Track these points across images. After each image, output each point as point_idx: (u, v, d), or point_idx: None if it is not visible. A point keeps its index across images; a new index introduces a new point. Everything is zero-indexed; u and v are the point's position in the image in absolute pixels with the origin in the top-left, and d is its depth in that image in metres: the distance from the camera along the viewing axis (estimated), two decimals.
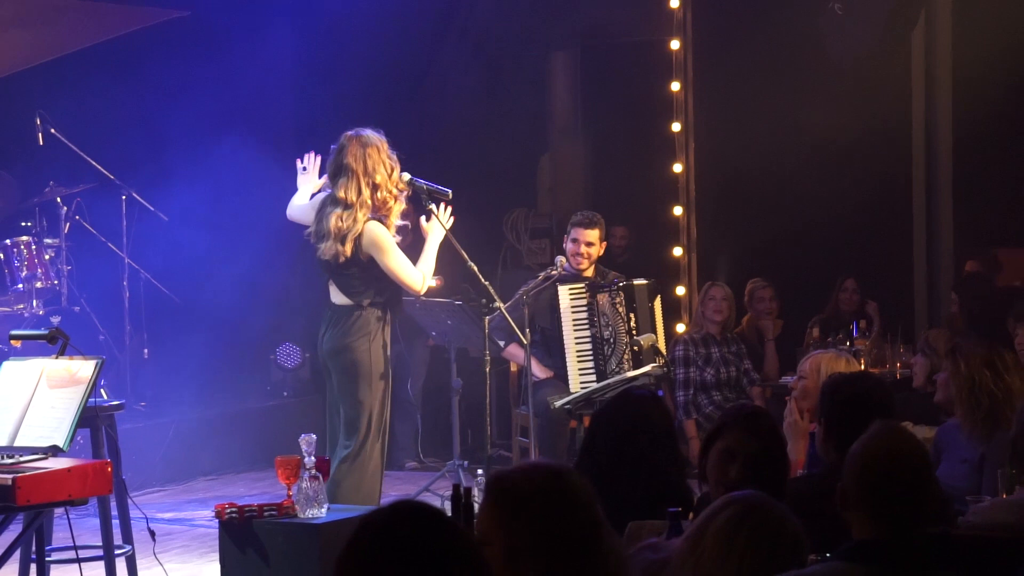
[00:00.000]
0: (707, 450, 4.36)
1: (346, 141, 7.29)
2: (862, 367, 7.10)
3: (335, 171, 7.28)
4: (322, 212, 7.30)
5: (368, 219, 7.22)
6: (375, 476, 7.31)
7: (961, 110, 10.77)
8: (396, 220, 7.35)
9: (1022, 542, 4.34)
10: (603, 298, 8.70)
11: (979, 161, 10.82)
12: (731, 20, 11.08)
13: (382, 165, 7.28)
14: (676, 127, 10.75)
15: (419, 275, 7.35)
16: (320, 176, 7.59)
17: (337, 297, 7.37)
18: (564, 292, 8.73)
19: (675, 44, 10.68)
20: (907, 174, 10.96)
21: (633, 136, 11.44)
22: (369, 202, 7.23)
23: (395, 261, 7.27)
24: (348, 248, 7.20)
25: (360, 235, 7.21)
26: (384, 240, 7.26)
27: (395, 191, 7.31)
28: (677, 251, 10.76)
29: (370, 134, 7.34)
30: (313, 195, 7.56)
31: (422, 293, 7.51)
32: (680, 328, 10.26)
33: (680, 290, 10.56)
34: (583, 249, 8.80)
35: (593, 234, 8.81)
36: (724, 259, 10.78)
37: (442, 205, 7.48)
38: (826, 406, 5.17)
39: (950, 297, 9.42)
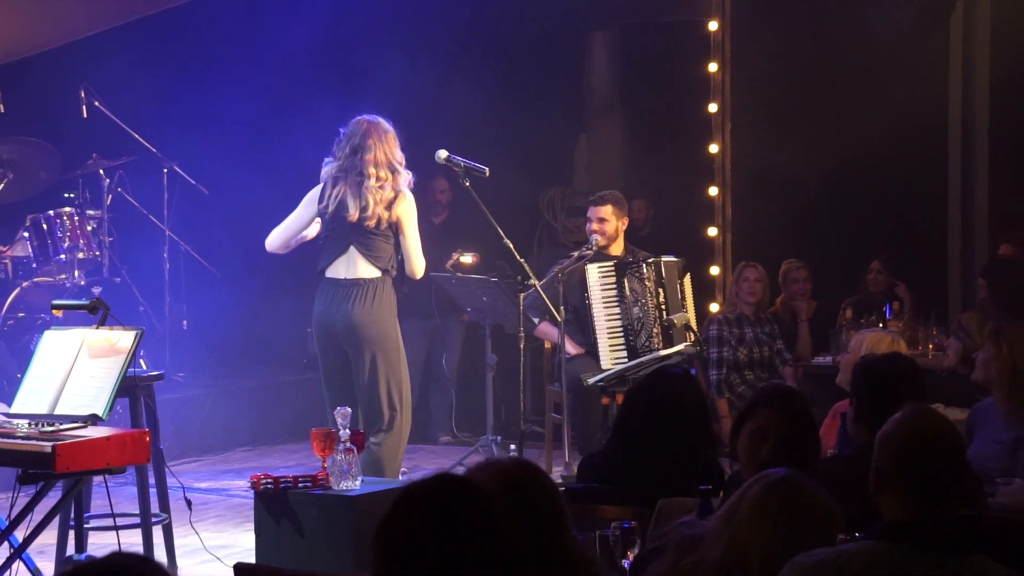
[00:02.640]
0: (738, 429, 4.34)
1: (366, 125, 7.63)
2: (904, 348, 7.08)
3: (355, 149, 7.50)
4: (336, 188, 7.51)
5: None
6: (404, 445, 7.70)
7: (998, 92, 10.67)
8: None
9: None
10: (632, 275, 8.67)
11: (1016, 142, 10.73)
12: (770, 1, 11.01)
13: (398, 150, 7.67)
14: (713, 108, 10.70)
15: (423, 260, 7.75)
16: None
17: (359, 269, 7.54)
18: (592, 270, 8.70)
19: (713, 25, 10.62)
20: (943, 156, 10.87)
21: (670, 116, 11.39)
22: (392, 177, 7.50)
23: (415, 235, 7.68)
24: (392, 214, 7.57)
25: (397, 202, 7.54)
26: (414, 212, 7.66)
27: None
28: (712, 231, 10.72)
29: (384, 122, 7.69)
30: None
31: (418, 277, 7.81)
32: (714, 308, 10.23)
33: (715, 270, 10.52)
34: (595, 226, 8.81)
35: (604, 210, 8.80)
36: (758, 240, 10.72)
37: None
38: (858, 386, 5.15)
39: (979, 283, 9.33)
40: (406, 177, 7.66)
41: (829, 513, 3.50)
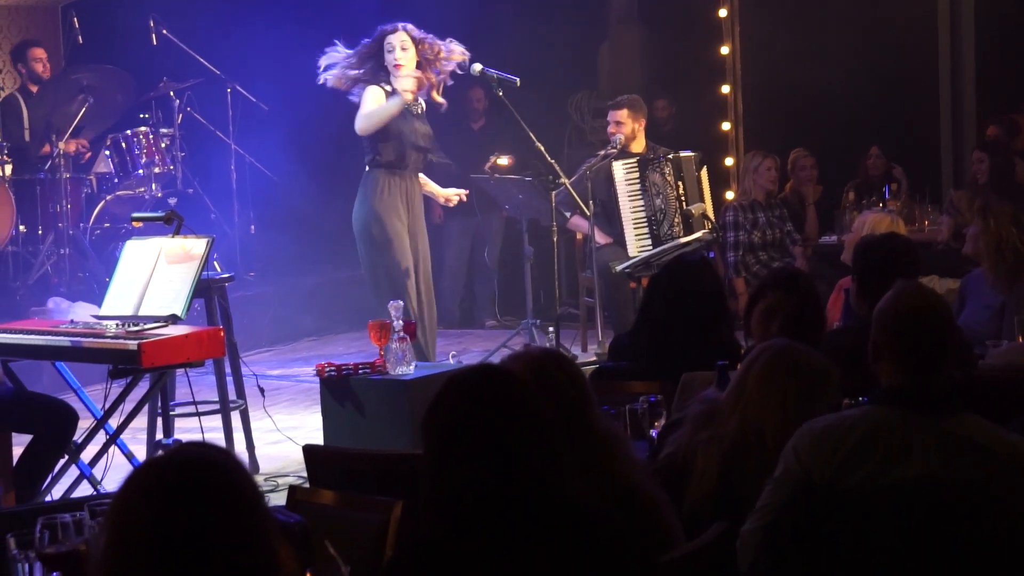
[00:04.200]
0: (751, 310, 4.36)
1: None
2: (902, 227, 7.06)
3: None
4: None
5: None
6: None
7: None
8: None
9: None
10: (653, 170, 8.63)
11: (1000, 29, 10.57)
12: None
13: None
14: (723, 13, 10.60)
15: (360, 118, 7.44)
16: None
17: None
18: (618, 167, 8.66)
19: None
20: (933, 47, 10.72)
21: (685, 22, 11.26)
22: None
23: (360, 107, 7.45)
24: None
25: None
26: (364, 95, 7.44)
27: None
28: (726, 125, 10.65)
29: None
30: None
31: (356, 129, 7.50)
32: (729, 196, 10.17)
33: (728, 161, 10.48)
34: (613, 128, 8.74)
35: (621, 114, 8.73)
36: (767, 132, 10.64)
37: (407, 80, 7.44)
38: (859, 264, 5.13)
39: (972, 159, 9.23)
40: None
41: (825, 372, 3.53)
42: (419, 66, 7.49)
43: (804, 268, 8.77)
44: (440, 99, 7.63)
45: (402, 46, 7.42)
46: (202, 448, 2.26)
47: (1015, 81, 10.79)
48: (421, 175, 7.72)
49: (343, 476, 4.04)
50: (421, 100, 7.63)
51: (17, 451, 5.72)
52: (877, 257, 5.01)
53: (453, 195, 7.89)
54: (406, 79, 7.40)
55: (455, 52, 7.60)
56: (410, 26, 7.50)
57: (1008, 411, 4.03)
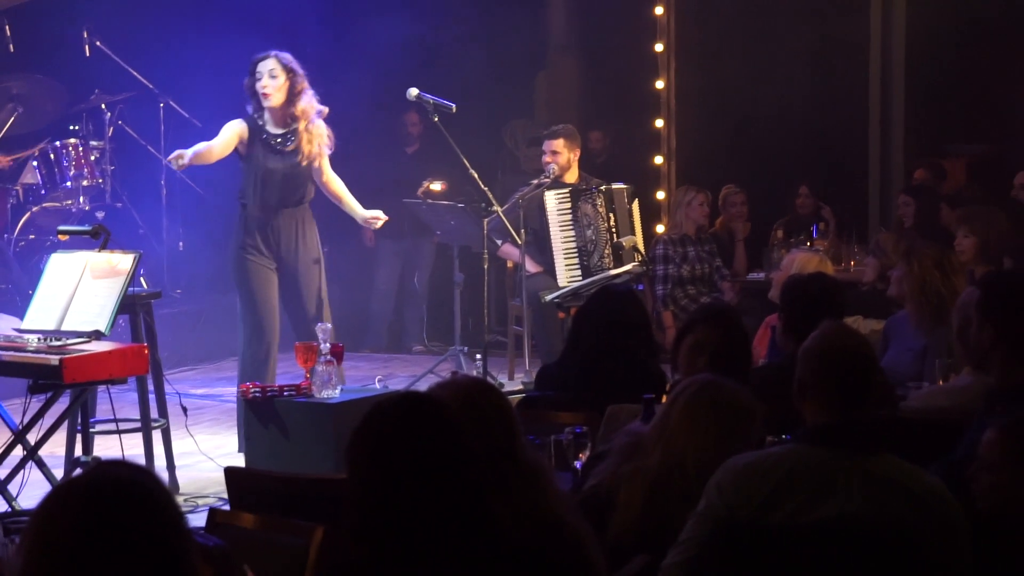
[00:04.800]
0: (679, 344, 4.38)
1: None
2: (830, 267, 7.13)
3: None
4: None
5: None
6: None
7: (914, 31, 10.65)
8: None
9: (955, 424, 4.36)
10: (585, 201, 8.68)
11: (929, 76, 10.74)
12: None
13: None
14: (659, 47, 10.68)
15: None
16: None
17: None
18: (550, 196, 8.70)
19: None
20: (864, 91, 10.86)
21: (621, 55, 11.33)
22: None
23: None
24: None
25: None
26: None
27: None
28: (658, 159, 10.72)
29: None
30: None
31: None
32: (660, 229, 10.24)
33: (660, 194, 10.55)
34: (548, 157, 8.77)
35: (557, 144, 8.77)
36: (699, 167, 10.73)
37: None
38: (786, 302, 5.19)
39: (898, 201, 9.35)
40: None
41: (750, 408, 3.57)
42: (289, 98, 7.26)
43: (732, 303, 8.84)
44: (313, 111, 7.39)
45: (271, 73, 7.23)
46: (122, 467, 2.24)
47: (943, 126, 10.97)
48: (345, 196, 7.57)
49: (265, 499, 4.01)
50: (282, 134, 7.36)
51: None
52: (804, 296, 5.07)
53: (371, 216, 7.60)
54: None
55: (315, 105, 7.36)
56: (284, 55, 7.30)
57: (929, 453, 4.07)
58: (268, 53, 7.29)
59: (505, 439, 3.02)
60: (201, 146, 7.34)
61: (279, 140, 7.30)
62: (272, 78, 7.23)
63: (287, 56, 7.29)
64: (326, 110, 7.42)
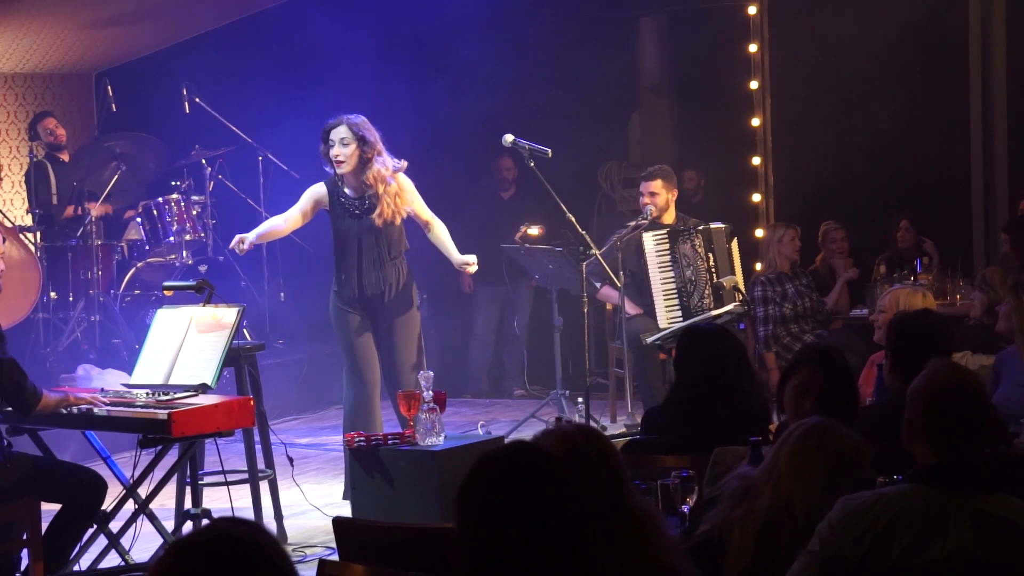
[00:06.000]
0: (783, 385, 4.35)
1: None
2: (933, 301, 7.03)
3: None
4: None
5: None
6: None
7: (1016, 59, 10.52)
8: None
9: None
10: (683, 242, 8.67)
11: None
12: None
13: None
14: (754, 85, 10.67)
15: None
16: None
17: None
18: (648, 238, 8.70)
19: (752, 9, 10.60)
20: (965, 122, 10.73)
21: (716, 93, 11.31)
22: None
23: None
24: None
25: None
26: None
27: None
28: (756, 197, 10.68)
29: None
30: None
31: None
32: (759, 267, 10.18)
33: (759, 232, 10.48)
34: (647, 199, 8.77)
35: (655, 184, 8.78)
36: (798, 204, 10.66)
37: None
38: (892, 340, 5.13)
39: (1000, 239, 9.22)
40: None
41: (858, 450, 3.54)
42: (360, 164, 7.30)
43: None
44: (394, 166, 7.43)
45: (342, 141, 7.27)
46: (238, 524, 2.27)
47: None
48: (445, 241, 7.56)
49: (373, 549, 4.04)
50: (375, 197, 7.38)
51: (46, 520, 5.74)
52: (911, 334, 5.02)
53: (463, 261, 7.56)
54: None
55: (390, 166, 7.38)
56: (355, 121, 7.32)
57: None
58: (340, 119, 7.33)
59: (612, 486, 3.02)
60: (266, 225, 7.54)
61: (356, 204, 7.38)
62: (344, 145, 7.28)
63: (358, 122, 7.31)
64: (404, 164, 7.45)
